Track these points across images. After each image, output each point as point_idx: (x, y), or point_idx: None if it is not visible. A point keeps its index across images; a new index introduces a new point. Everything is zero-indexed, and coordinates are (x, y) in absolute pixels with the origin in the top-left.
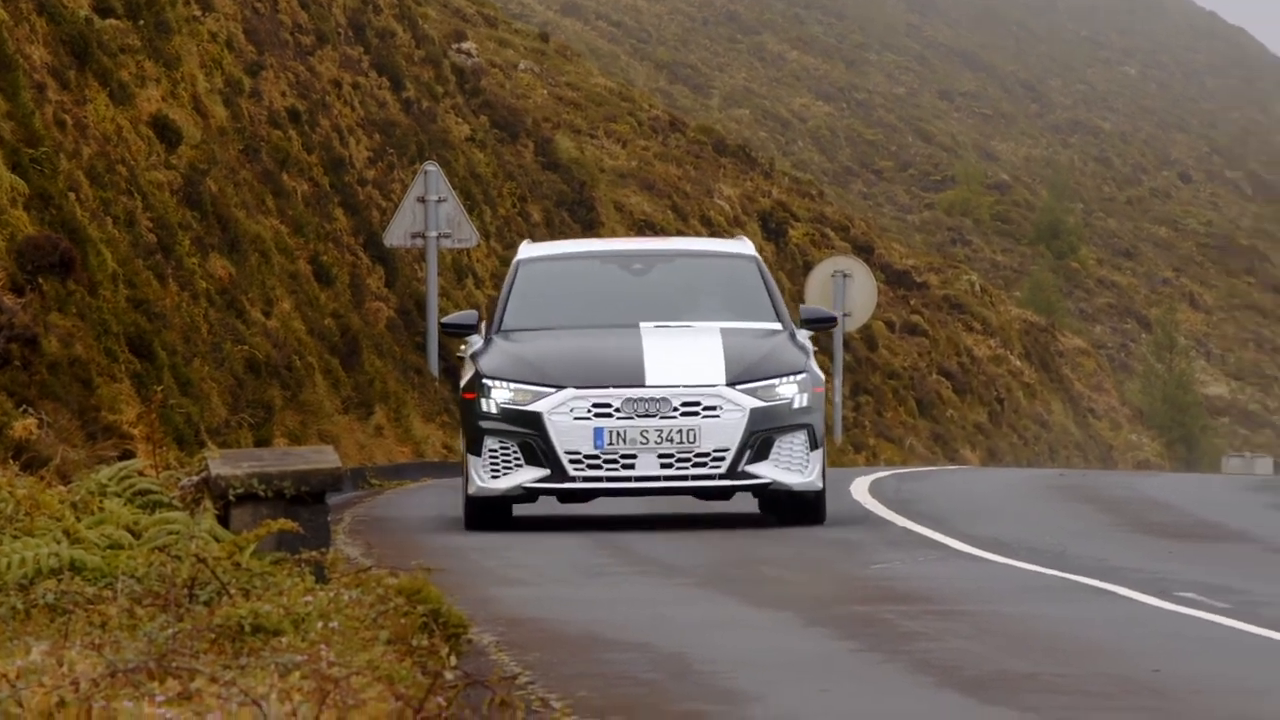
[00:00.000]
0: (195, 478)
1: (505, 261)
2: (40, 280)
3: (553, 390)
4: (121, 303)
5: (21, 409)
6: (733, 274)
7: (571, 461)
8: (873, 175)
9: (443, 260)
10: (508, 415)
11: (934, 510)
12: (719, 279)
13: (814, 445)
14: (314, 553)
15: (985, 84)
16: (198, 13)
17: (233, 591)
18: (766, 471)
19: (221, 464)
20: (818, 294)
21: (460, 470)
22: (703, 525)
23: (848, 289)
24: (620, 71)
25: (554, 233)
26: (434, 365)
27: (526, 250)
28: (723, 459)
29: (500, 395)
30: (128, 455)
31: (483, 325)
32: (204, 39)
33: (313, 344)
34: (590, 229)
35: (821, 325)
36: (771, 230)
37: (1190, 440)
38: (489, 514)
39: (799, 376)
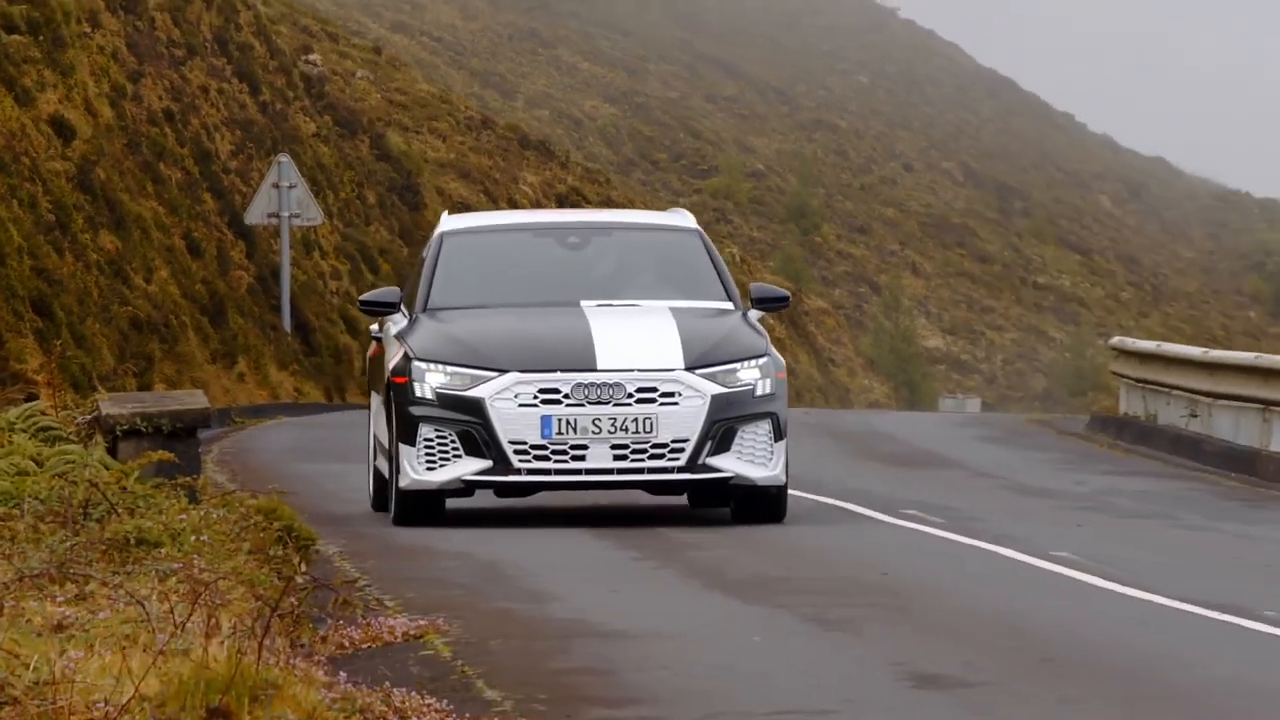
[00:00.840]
0: (88, 416)
1: (347, 237)
2: None
3: (495, 374)
4: (26, 271)
5: None
6: (676, 248)
7: (517, 452)
8: (650, 165)
9: (293, 236)
10: (445, 401)
11: None
12: (661, 254)
13: (778, 436)
14: (187, 479)
15: (744, 89)
16: (88, 30)
17: (120, 511)
18: (728, 464)
19: (110, 405)
20: None
21: (306, 409)
22: None
23: None
24: (441, 79)
25: (385, 214)
26: (287, 323)
27: (449, 222)
28: (681, 450)
29: (435, 379)
30: (32, 398)
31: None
32: (93, 51)
33: (186, 305)
34: (416, 210)
35: (774, 305)
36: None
37: (913, 384)
38: (422, 509)
39: (760, 360)
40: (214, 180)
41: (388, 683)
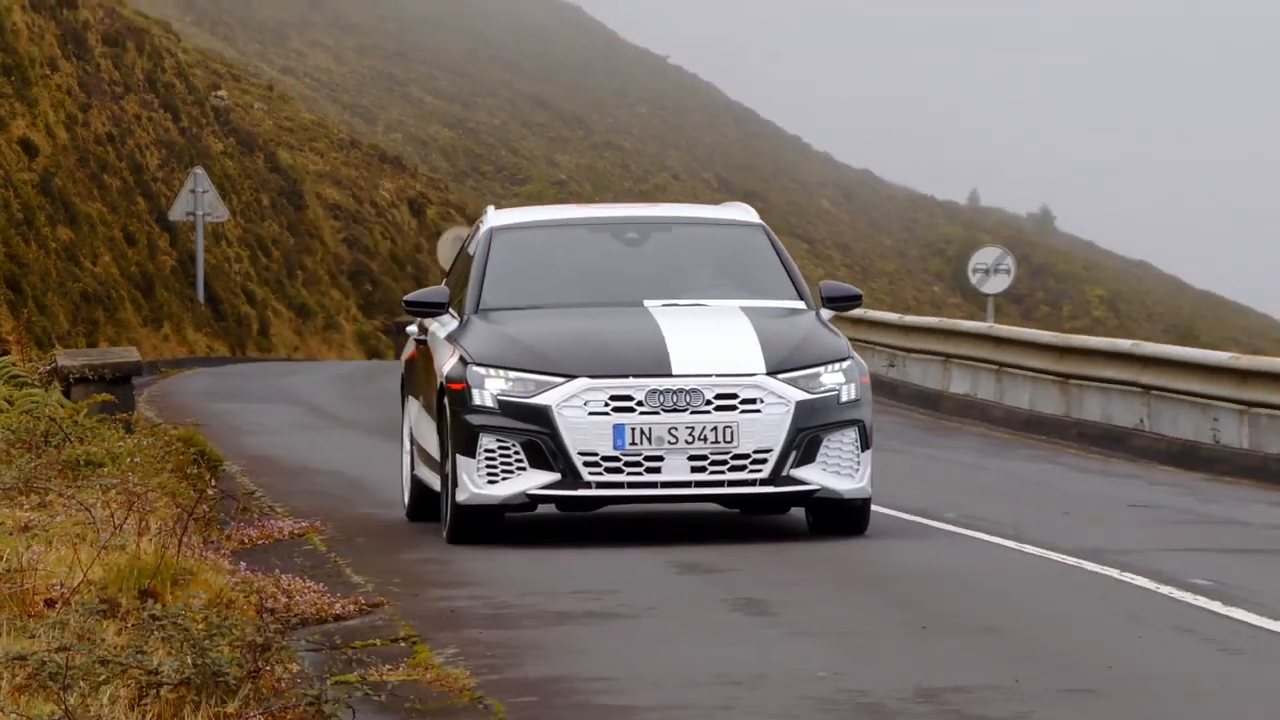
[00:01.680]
0: (48, 367)
1: (247, 230)
2: None
3: (561, 380)
4: (2, 259)
5: None
6: (740, 244)
7: (587, 464)
8: (479, 175)
9: (206, 230)
10: (507, 409)
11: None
12: (725, 250)
13: (865, 445)
14: (124, 415)
15: (551, 118)
16: (48, 71)
17: (72, 439)
18: (814, 476)
19: (65, 358)
20: (446, 250)
21: (215, 361)
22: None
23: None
24: (319, 109)
25: (276, 212)
26: (201, 296)
27: (496, 217)
28: (764, 461)
29: (495, 385)
30: (4, 353)
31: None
32: (53, 88)
33: (123, 283)
34: (299, 210)
35: (847, 304)
36: (416, 209)
37: None
38: (481, 525)
39: (844, 364)
40: (145, 187)
41: (278, 570)
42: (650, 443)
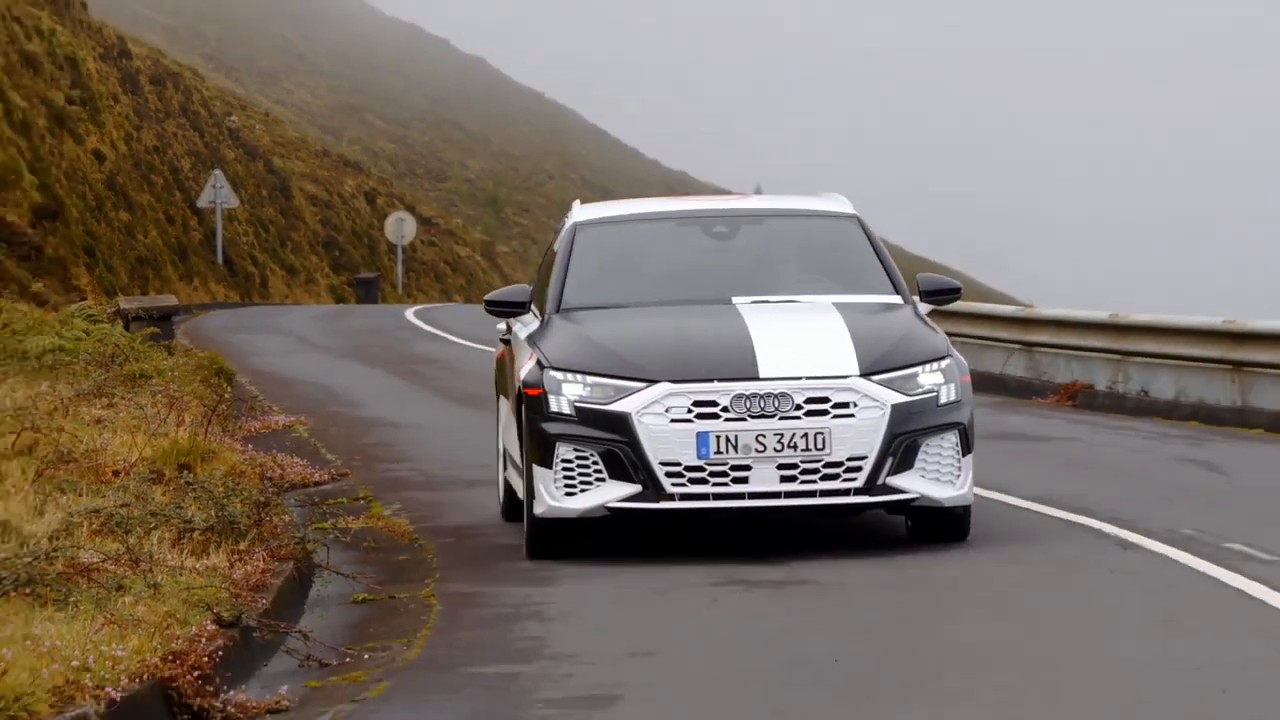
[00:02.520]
0: (113, 310)
1: (251, 214)
2: (43, 224)
3: (642, 385)
4: (81, 233)
5: (38, 279)
6: (834, 236)
7: (669, 475)
8: (414, 175)
9: (224, 214)
10: (585, 416)
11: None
12: (818, 243)
13: (966, 449)
14: (167, 343)
15: (465, 137)
16: (112, 103)
17: (131, 359)
18: (912, 484)
19: (125, 303)
20: (392, 228)
21: (230, 305)
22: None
23: (403, 227)
24: (302, 129)
25: (273, 202)
26: (220, 259)
27: (581, 212)
28: (859, 469)
29: (572, 391)
30: (83, 299)
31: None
32: (115, 114)
33: (166, 250)
34: (288, 199)
35: (947, 298)
36: (370, 199)
37: None
38: (560, 539)
39: (943, 363)
40: (180, 184)
41: (274, 450)
42: (736, 451)
